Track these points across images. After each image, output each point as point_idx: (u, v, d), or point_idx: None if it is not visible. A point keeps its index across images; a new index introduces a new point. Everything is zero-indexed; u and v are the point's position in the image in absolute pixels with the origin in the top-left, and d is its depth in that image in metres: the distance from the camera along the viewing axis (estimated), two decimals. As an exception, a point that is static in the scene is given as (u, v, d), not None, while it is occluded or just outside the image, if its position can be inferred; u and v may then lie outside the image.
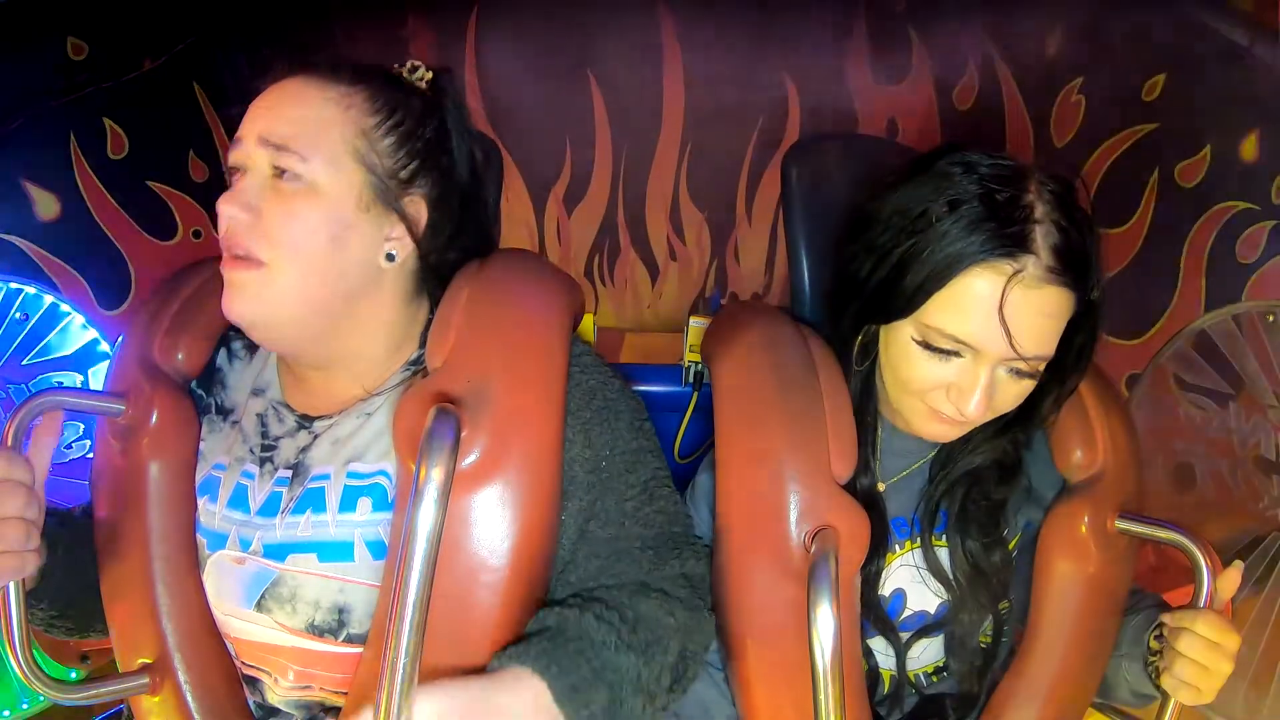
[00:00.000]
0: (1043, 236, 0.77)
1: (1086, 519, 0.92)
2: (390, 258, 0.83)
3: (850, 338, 0.91)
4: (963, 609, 0.95)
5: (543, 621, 0.78)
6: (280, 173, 0.78)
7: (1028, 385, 0.83)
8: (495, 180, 1.10)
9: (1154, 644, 0.91)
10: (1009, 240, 0.77)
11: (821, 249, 1.08)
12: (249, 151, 0.79)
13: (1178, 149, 1.55)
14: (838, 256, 0.91)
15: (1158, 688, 0.89)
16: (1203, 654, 0.81)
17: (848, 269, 0.88)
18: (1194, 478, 1.44)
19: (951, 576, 0.95)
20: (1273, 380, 1.34)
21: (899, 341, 0.84)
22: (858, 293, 0.86)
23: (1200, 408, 1.45)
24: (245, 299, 0.78)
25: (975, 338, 0.79)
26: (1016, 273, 0.76)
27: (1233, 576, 0.83)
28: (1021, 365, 0.80)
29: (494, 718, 0.68)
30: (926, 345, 0.81)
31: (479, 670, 0.73)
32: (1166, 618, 0.86)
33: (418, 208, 0.84)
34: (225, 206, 0.78)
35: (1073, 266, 0.78)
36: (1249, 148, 1.43)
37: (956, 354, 0.80)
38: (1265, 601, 1.27)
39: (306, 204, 0.78)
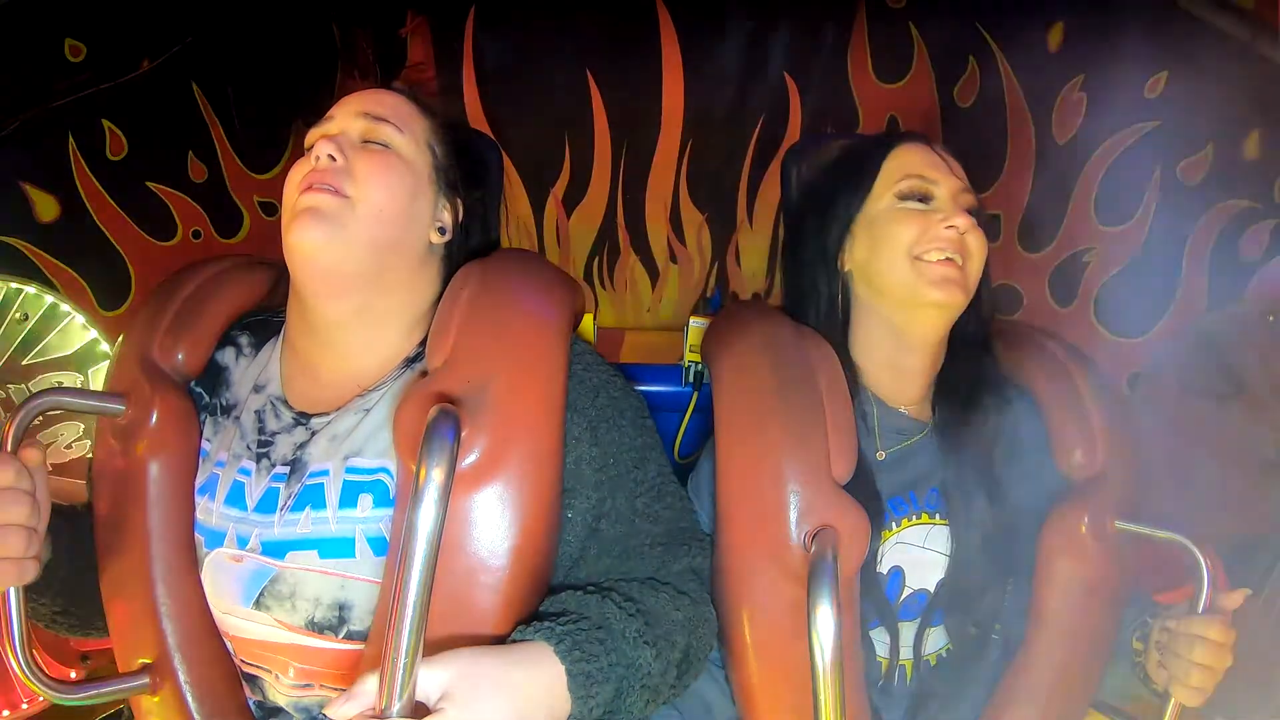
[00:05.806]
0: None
1: (1086, 519, 0.92)
2: (441, 231, 0.93)
3: (832, 266, 1.01)
4: (967, 569, 0.95)
5: (562, 603, 0.77)
6: (368, 144, 0.88)
7: (981, 238, 0.96)
8: (495, 182, 1.10)
9: (1137, 644, 0.91)
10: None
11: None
12: (344, 124, 0.89)
13: (1180, 147, 1.55)
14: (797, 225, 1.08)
15: (1148, 686, 0.89)
16: (1216, 659, 0.82)
17: (810, 211, 1.05)
18: (1194, 478, 1.44)
19: (958, 538, 0.95)
20: (1273, 380, 1.33)
21: (884, 217, 0.97)
22: (827, 214, 1.02)
23: (1200, 407, 1.44)
24: (323, 221, 0.83)
25: (928, 167, 0.98)
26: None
27: (1235, 598, 0.85)
28: (970, 199, 0.97)
29: (506, 694, 0.67)
30: (906, 196, 0.97)
31: None
32: (1172, 624, 0.86)
33: (458, 207, 0.95)
34: (324, 144, 0.85)
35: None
36: (1251, 146, 1.43)
37: (926, 196, 0.97)
38: (1265, 602, 1.27)
39: (394, 160, 0.88)
